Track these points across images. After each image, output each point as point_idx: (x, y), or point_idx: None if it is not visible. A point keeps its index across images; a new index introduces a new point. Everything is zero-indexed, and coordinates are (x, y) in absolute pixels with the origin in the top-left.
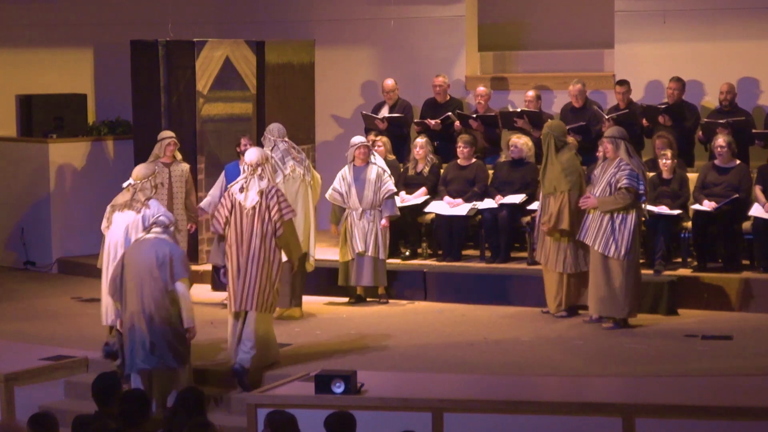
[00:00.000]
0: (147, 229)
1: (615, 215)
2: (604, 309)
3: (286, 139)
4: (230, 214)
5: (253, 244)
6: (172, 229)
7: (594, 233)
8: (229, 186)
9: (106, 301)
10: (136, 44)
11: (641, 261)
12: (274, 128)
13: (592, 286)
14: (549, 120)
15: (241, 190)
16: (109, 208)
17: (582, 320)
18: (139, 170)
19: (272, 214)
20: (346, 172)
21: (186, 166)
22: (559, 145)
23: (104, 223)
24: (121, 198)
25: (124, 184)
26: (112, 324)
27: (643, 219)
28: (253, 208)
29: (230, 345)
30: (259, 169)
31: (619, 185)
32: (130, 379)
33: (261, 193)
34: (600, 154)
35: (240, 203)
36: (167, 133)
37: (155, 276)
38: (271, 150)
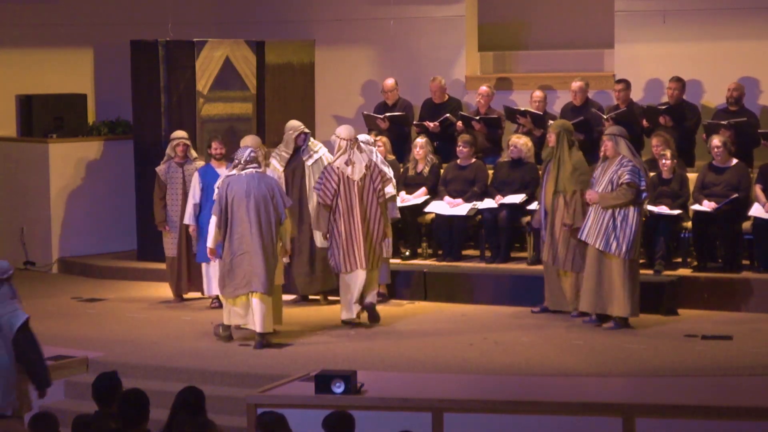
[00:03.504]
0: (241, 167)
1: (616, 212)
2: (603, 306)
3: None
4: (338, 186)
5: (363, 210)
6: (261, 159)
7: (595, 231)
8: (330, 162)
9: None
10: (136, 44)
11: (641, 261)
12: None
13: (588, 284)
14: (557, 119)
15: (347, 163)
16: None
17: (582, 320)
18: (247, 140)
19: (375, 184)
20: None
21: (201, 164)
22: (569, 144)
23: None
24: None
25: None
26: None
27: (644, 219)
28: (362, 179)
29: (350, 297)
30: (356, 141)
31: (621, 181)
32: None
33: (366, 167)
34: (602, 154)
35: (348, 176)
36: (178, 134)
37: (270, 207)
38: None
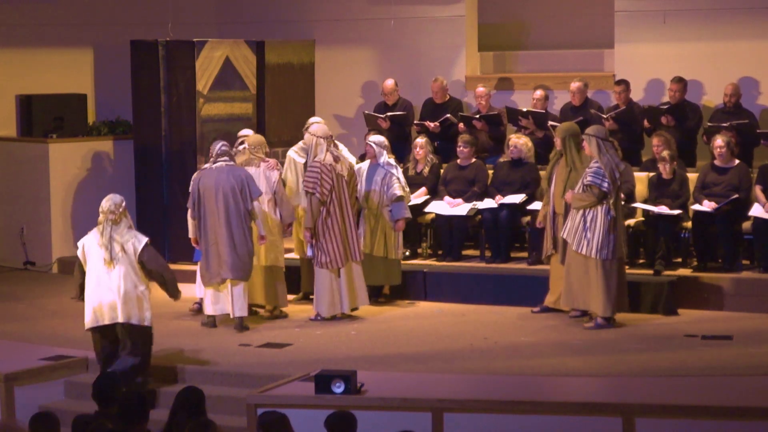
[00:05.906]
0: (212, 161)
1: (586, 213)
2: (576, 302)
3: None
4: (332, 182)
5: (350, 204)
6: (233, 153)
7: (572, 231)
8: (321, 160)
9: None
10: (136, 44)
11: (641, 261)
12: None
13: (565, 280)
14: (562, 124)
15: (336, 160)
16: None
17: (583, 322)
18: (253, 138)
19: (355, 180)
20: (363, 168)
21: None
22: (578, 147)
23: None
24: (239, 158)
25: (240, 147)
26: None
27: (643, 219)
28: (349, 175)
29: (357, 286)
30: (332, 139)
31: (584, 182)
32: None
33: (344, 164)
34: None
35: (339, 173)
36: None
37: (238, 198)
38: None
